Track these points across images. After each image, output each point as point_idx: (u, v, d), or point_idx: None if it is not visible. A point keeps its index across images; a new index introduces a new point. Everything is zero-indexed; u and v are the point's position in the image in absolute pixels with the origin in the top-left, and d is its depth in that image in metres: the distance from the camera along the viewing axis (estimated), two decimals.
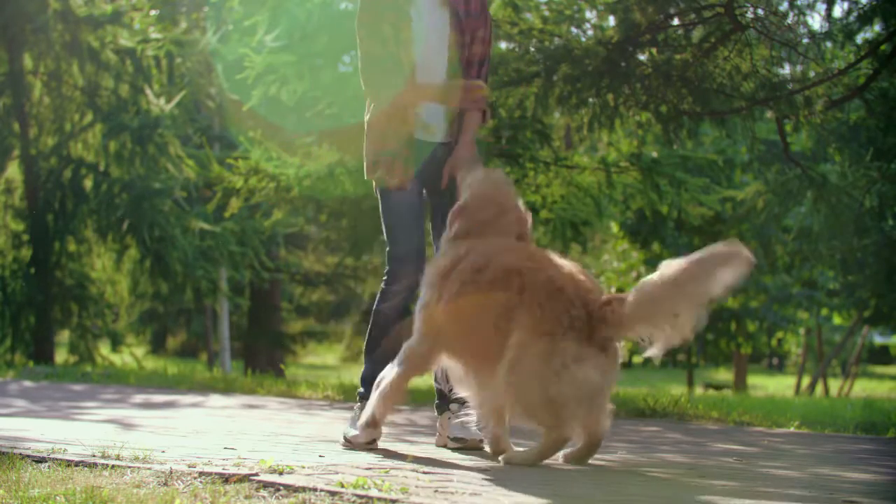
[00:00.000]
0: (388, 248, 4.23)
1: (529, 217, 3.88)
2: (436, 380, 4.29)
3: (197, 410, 6.09)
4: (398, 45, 4.13)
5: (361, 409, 4.15)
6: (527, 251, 3.68)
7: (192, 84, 13.68)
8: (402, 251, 4.17)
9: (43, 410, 5.87)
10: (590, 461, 3.69)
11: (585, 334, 3.41)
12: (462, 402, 4.20)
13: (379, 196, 4.25)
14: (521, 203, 3.89)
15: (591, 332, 3.42)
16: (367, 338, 4.27)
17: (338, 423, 4.63)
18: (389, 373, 3.77)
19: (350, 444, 4.05)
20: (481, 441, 4.08)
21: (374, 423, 3.84)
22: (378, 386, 3.80)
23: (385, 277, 4.22)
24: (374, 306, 4.24)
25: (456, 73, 4.23)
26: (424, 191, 4.31)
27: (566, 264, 3.59)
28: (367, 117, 4.26)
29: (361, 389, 4.23)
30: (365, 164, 4.26)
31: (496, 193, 3.84)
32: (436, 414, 4.29)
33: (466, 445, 4.08)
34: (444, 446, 4.18)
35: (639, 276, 21.01)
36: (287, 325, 24.04)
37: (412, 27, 4.15)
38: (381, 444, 4.25)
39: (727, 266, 3.32)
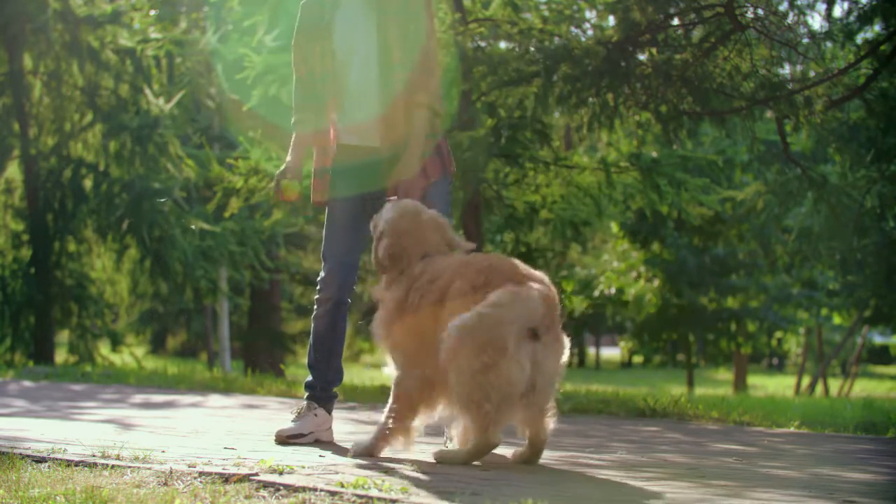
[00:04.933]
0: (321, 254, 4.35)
1: (446, 222, 3.80)
2: None
3: (197, 410, 6.09)
4: (323, 76, 4.28)
5: (305, 408, 4.28)
6: (479, 263, 3.56)
7: (192, 84, 13.67)
8: (328, 258, 4.29)
9: (43, 410, 5.87)
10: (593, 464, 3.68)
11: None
12: None
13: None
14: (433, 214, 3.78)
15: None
16: (308, 346, 4.36)
17: (338, 423, 4.62)
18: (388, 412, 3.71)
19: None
20: None
21: (369, 454, 3.73)
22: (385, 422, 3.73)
23: (318, 286, 4.32)
24: (313, 313, 4.34)
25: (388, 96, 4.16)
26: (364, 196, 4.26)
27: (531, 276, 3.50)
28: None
29: (307, 394, 4.35)
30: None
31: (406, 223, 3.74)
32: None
33: None
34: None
35: (639, 276, 21.02)
36: (287, 324, 24.03)
37: (336, 56, 4.25)
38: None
39: None
